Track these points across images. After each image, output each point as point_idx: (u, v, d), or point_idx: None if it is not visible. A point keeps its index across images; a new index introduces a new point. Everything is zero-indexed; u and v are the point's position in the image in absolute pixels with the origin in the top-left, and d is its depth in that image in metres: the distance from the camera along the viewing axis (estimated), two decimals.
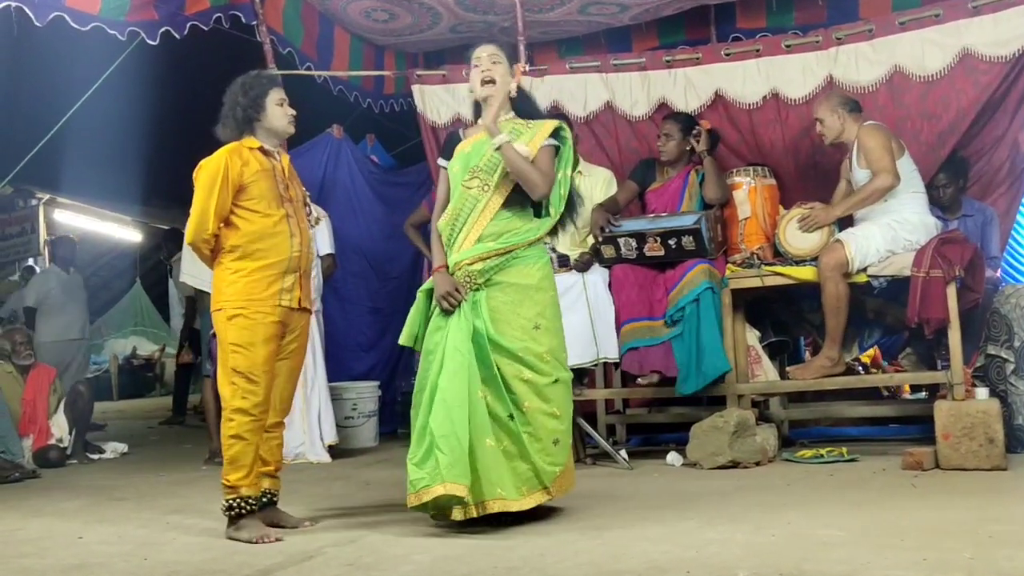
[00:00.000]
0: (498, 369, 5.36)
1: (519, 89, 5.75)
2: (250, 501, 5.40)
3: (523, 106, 5.79)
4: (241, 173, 5.48)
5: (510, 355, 5.37)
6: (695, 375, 7.39)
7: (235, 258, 5.50)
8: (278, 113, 5.69)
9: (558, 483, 5.45)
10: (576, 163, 8.04)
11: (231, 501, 5.38)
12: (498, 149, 5.46)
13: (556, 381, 5.44)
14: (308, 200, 5.96)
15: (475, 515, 5.23)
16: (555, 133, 5.64)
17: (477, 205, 5.54)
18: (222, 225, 5.51)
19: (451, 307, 5.43)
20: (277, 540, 5.25)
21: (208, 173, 5.49)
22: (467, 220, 5.55)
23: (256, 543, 5.20)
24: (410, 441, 5.40)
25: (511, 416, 5.34)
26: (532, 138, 5.57)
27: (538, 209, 5.72)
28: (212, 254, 5.58)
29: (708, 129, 8.03)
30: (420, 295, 5.69)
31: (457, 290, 5.43)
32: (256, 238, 5.48)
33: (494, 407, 5.33)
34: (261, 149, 5.64)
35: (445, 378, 5.29)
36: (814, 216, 7.44)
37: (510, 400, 5.35)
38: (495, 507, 5.26)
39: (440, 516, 5.32)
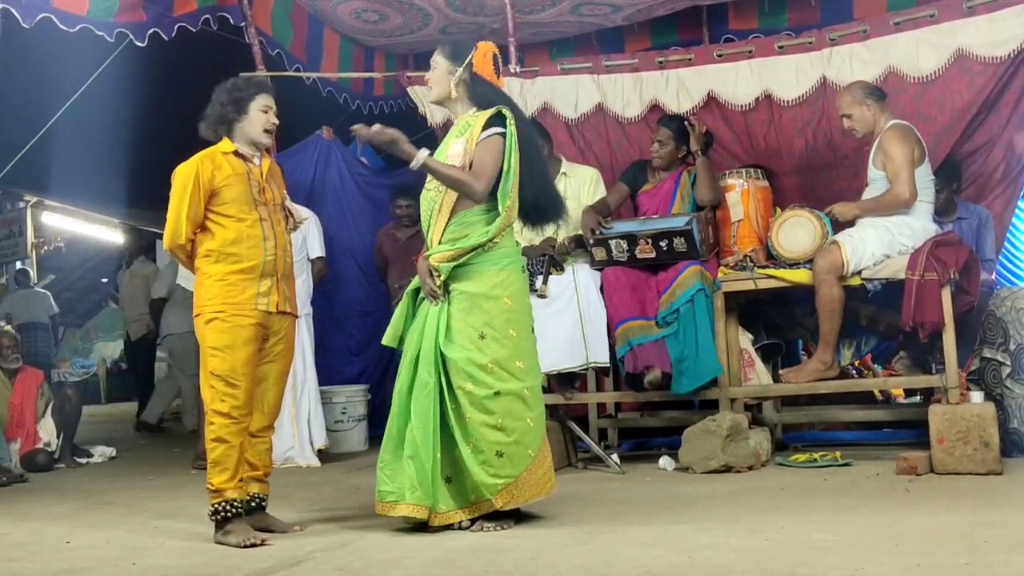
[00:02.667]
0: (447, 380, 5.38)
1: (473, 76, 5.67)
2: (236, 504, 5.38)
3: (480, 90, 5.70)
4: (213, 177, 5.48)
5: (454, 365, 5.37)
6: (687, 375, 7.36)
7: (211, 262, 5.49)
8: (259, 119, 5.65)
9: (504, 495, 5.37)
10: (559, 164, 8.04)
11: (217, 505, 5.36)
12: (423, 166, 5.44)
13: (497, 393, 5.35)
14: (287, 204, 5.92)
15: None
16: (498, 119, 5.57)
17: (435, 207, 5.57)
18: (197, 230, 5.52)
19: (428, 293, 5.48)
20: (265, 544, 5.23)
21: (180, 179, 5.51)
22: (430, 222, 5.59)
23: (244, 547, 5.17)
24: None
25: (455, 427, 5.37)
26: (471, 134, 5.55)
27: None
28: (190, 259, 5.60)
29: (705, 132, 8.00)
30: (406, 295, 5.70)
31: (431, 276, 5.47)
32: (230, 243, 5.47)
33: (436, 419, 5.39)
34: (236, 153, 5.61)
35: (414, 396, 5.40)
36: (835, 212, 7.39)
37: (453, 412, 5.37)
38: (435, 521, 5.36)
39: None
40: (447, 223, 5.52)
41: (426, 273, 5.48)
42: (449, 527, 5.34)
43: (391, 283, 9.80)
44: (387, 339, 5.71)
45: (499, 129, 5.52)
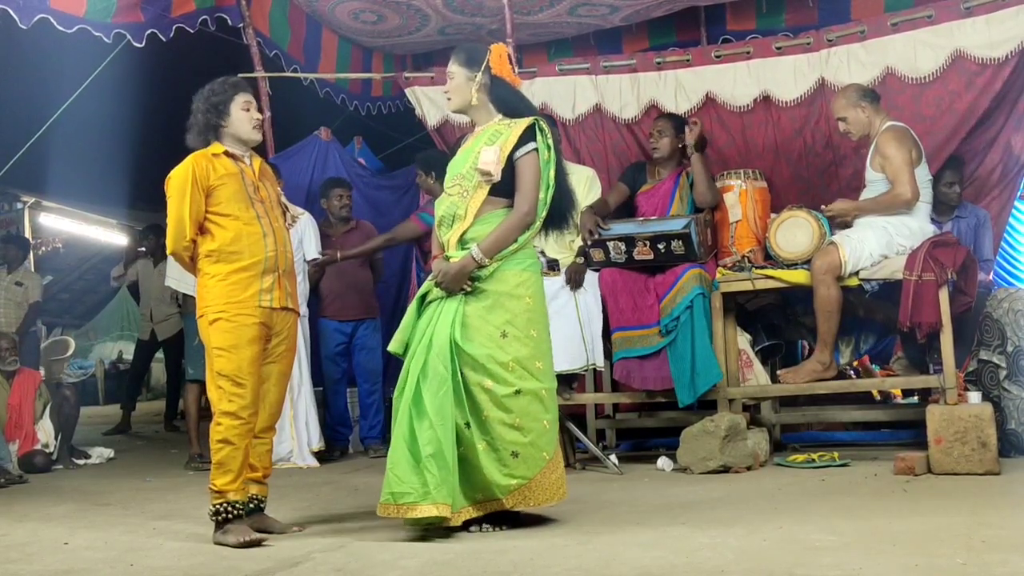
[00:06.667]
0: (462, 376, 5.32)
1: (494, 79, 5.65)
2: (237, 506, 5.38)
3: (500, 94, 5.67)
4: (208, 176, 5.49)
5: (474, 362, 5.31)
6: (691, 385, 7.37)
7: (212, 262, 5.49)
8: (243, 118, 5.65)
9: (515, 496, 5.36)
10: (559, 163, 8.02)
11: (218, 506, 5.36)
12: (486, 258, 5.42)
13: (518, 392, 5.32)
14: (283, 199, 5.92)
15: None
16: (532, 130, 5.53)
17: (457, 212, 5.52)
18: (198, 233, 5.52)
19: (450, 291, 5.41)
20: (264, 544, 5.23)
21: (178, 181, 5.50)
22: (452, 226, 5.54)
23: (242, 547, 5.17)
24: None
25: (467, 424, 5.31)
26: (504, 142, 5.49)
27: None
28: (192, 261, 5.60)
29: (701, 136, 8.06)
30: (414, 301, 5.63)
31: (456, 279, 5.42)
32: (230, 242, 5.47)
33: (454, 415, 5.31)
34: (227, 153, 5.62)
35: (429, 393, 5.27)
36: (834, 209, 7.39)
37: (469, 409, 5.31)
38: (454, 520, 5.28)
39: (410, 522, 5.29)
40: (471, 224, 5.48)
41: (459, 275, 5.39)
42: (451, 528, 5.29)
43: (324, 287, 9.49)
44: (393, 346, 5.60)
45: (534, 145, 5.50)
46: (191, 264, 5.62)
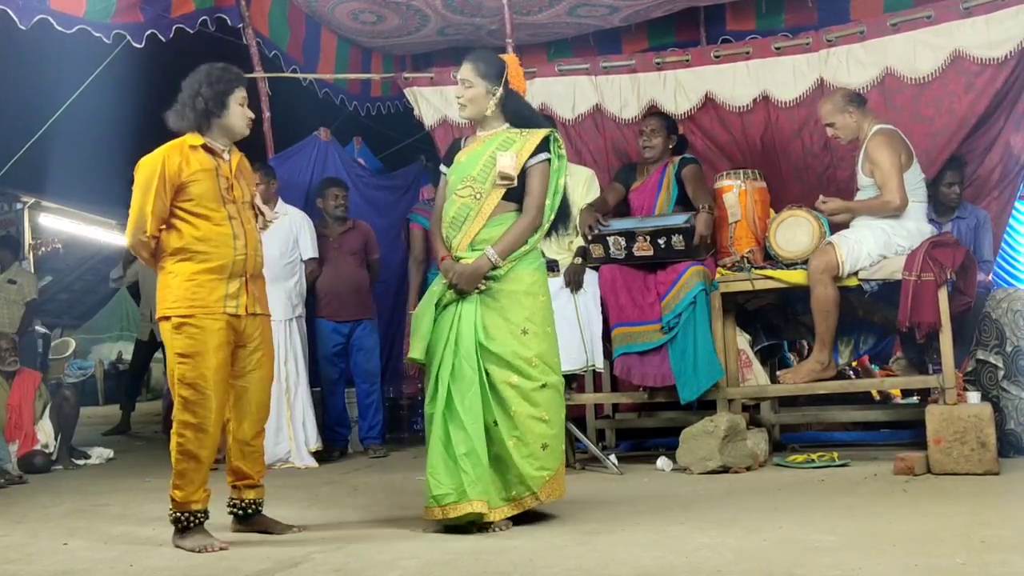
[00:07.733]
0: (487, 374, 5.39)
1: (509, 92, 5.72)
2: (198, 515, 5.28)
3: (513, 106, 5.75)
4: (180, 171, 5.29)
5: (499, 360, 5.38)
6: (692, 382, 7.36)
7: (176, 261, 5.31)
8: (239, 112, 5.51)
9: (547, 488, 5.47)
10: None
11: (178, 515, 5.27)
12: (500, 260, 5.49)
13: (544, 386, 5.45)
14: (257, 201, 5.72)
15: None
16: (546, 141, 5.64)
17: (470, 213, 5.57)
18: (163, 228, 5.35)
19: (464, 292, 5.46)
20: (222, 549, 5.15)
21: (145, 172, 5.33)
22: (462, 227, 5.58)
23: (199, 552, 5.11)
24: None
25: (495, 422, 5.37)
26: (520, 150, 5.59)
27: None
28: (153, 257, 5.41)
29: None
30: (427, 307, 5.60)
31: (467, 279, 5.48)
32: (197, 240, 5.29)
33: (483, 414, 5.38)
34: (205, 147, 5.44)
35: (459, 394, 5.36)
36: (829, 206, 7.38)
37: (496, 406, 5.38)
38: (490, 517, 5.33)
39: (439, 522, 5.37)
40: (483, 226, 5.54)
41: (473, 276, 5.46)
42: (454, 529, 5.32)
43: (321, 287, 9.41)
44: (414, 352, 5.56)
45: (547, 155, 5.62)
46: (151, 259, 5.42)
